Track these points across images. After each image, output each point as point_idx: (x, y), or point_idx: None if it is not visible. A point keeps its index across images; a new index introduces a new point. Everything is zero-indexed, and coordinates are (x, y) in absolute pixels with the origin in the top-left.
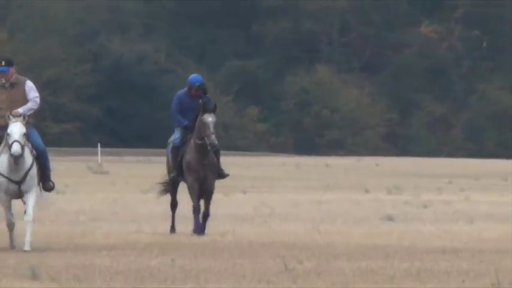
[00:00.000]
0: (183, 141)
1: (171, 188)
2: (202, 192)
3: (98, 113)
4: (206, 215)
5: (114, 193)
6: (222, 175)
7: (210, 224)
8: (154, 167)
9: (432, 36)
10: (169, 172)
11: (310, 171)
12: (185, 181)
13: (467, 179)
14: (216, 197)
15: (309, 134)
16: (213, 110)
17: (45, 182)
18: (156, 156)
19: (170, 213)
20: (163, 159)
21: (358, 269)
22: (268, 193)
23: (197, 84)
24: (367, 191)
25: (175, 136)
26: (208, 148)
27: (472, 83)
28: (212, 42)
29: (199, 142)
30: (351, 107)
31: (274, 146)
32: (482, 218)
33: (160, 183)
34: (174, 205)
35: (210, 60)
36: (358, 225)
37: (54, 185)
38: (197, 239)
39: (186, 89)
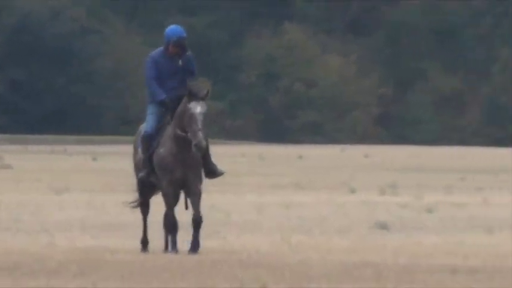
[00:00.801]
0: (159, 128)
1: (140, 188)
2: (186, 196)
3: None
4: (197, 221)
5: (18, 194)
6: (213, 172)
7: (139, 234)
8: (72, 159)
9: None
10: (137, 170)
11: (278, 164)
12: (158, 184)
13: (486, 174)
14: (153, 198)
15: (276, 115)
16: (203, 96)
17: None
18: (74, 145)
19: (141, 218)
20: (84, 148)
21: None
22: (222, 193)
23: (174, 38)
24: (353, 191)
25: (148, 113)
26: (193, 149)
27: (493, 48)
28: None
29: (179, 133)
30: (333, 80)
31: (231, 131)
32: (506, 227)
33: (131, 202)
34: (145, 207)
35: (145, 18)
36: (341, 236)
37: None
38: (125, 257)
39: (162, 47)
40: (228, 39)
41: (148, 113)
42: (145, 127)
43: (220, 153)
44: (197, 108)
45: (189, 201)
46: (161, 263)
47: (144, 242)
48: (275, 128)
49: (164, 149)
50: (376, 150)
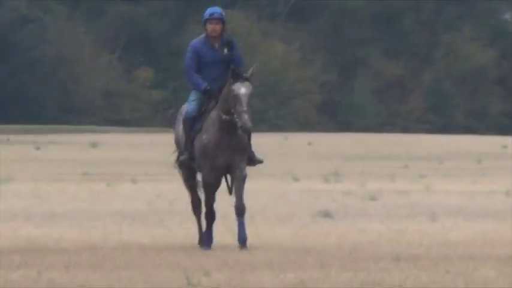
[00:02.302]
0: (202, 111)
1: (186, 177)
2: (231, 179)
3: None
4: (241, 209)
5: None
6: (252, 160)
7: (86, 224)
8: (14, 149)
9: None
10: (179, 154)
11: None
12: (198, 169)
13: (429, 161)
14: (97, 187)
15: None
16: (248, 77)
17: None
18: (17, 135)
19: (194, 218)
20: (27, 138)
21: (283, 282)
22: (167, 182)
23: (208, 13)
24: (296, 179)
25: (190, 100)
26: (239, 131)
27: (436, 34)
28: None
29: (225, 118)
30: (275, 67)
31: (174, 118)
32: (449, 214)
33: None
34: (197, 204)
35: (88, 5)
36: (284, 224)
37: None
38: (69, 246)
39: (203, 35)
40: (169, 27)
41: (191, 99)
42: (188, 108)
43: (165, 142)
44: (241, 89)
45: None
46: (105, 251)
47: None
48: None
49: (207, 135)
50: (319, 138)
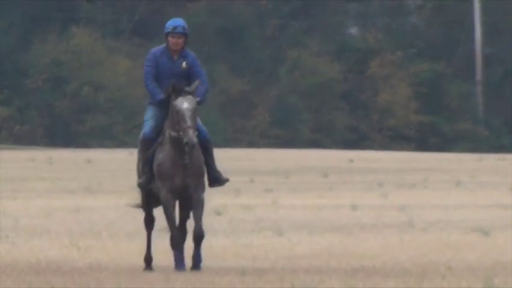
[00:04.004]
0: (158, 130)
1: (142, 198)
2: (186, 207)
3: None
4: (198, 236)
5: None
6: (217, 180)
7: None
8: None
9: None
10: (139, 176)
11: (66, 168)
12: (158, 193)
13: (275, 176)
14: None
15: (64, 119)
16: (191, 91)
17: None
18: None
19: (145, 234)
20: None
21: None
22: (11, 199)
23: (171, 26)
24: None
25: (146, 119)
26: (185, 149)
27: (281, 49)
28: None
29: (174, 135)
30: (121, 83)
31: (19, 136)
32: (295, 228)
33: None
34: (149, 221)
35: None
36: (130, 239)
37: None
38: None
39: (164, 45)
40: (13, 45)
41: (147, 117)
42: (145, 129)
43: (8, 158)
44: (184, 104)
45: (190, 212)
46: None
47: (148, 260)
48: (63, 133)
49: (163, 154)
50: None
